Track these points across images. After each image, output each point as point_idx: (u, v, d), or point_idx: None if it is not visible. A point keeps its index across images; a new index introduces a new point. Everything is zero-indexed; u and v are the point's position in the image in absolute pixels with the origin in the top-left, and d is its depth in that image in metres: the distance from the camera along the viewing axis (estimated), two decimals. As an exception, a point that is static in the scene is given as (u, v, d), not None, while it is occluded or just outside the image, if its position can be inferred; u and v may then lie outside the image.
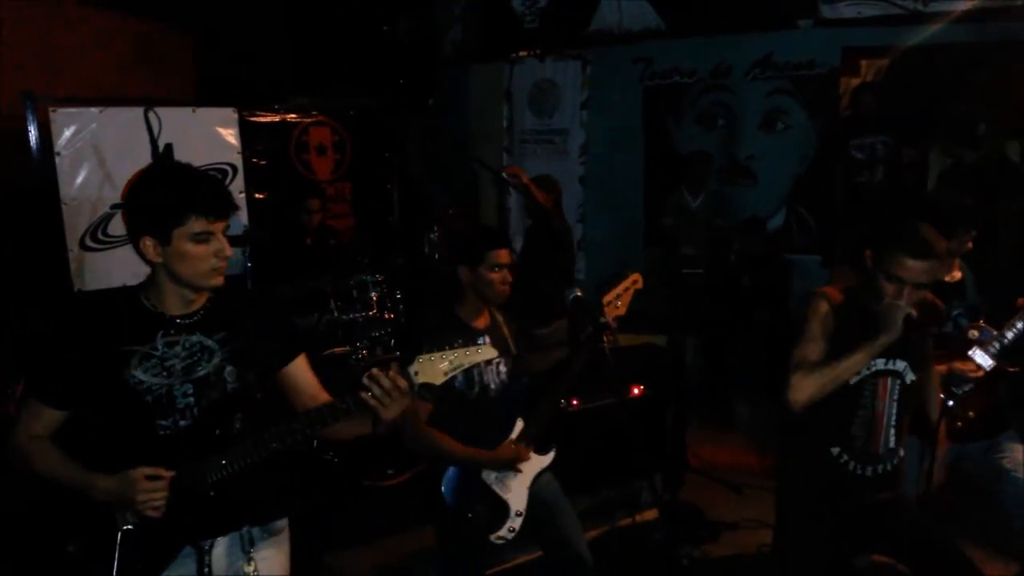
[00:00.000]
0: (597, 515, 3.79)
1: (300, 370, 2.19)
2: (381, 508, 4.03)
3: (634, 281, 3.05)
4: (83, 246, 5.02)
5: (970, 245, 3.19)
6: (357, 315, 4.51)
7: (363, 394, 1.91)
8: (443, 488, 2.82)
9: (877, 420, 2.59)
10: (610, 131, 7.23)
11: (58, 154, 4.91)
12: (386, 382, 1.90)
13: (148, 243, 1.98)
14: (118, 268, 5.02)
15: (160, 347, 2.01)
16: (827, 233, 6.21)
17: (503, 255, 2.93)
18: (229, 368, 2.06)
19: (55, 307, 4.89)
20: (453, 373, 1.92)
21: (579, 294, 2.90)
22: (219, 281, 2.03)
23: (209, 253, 1.98)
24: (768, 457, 4.98)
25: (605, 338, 2.82)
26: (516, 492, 2.90)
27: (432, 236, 5.82)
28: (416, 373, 1.91)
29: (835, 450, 2.60)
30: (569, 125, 7.49)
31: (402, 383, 1.91)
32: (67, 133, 4.93)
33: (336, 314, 4.51)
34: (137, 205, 2.02)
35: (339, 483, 3.94)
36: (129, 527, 1.96)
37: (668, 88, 6.92)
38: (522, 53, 7.55)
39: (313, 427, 1.99)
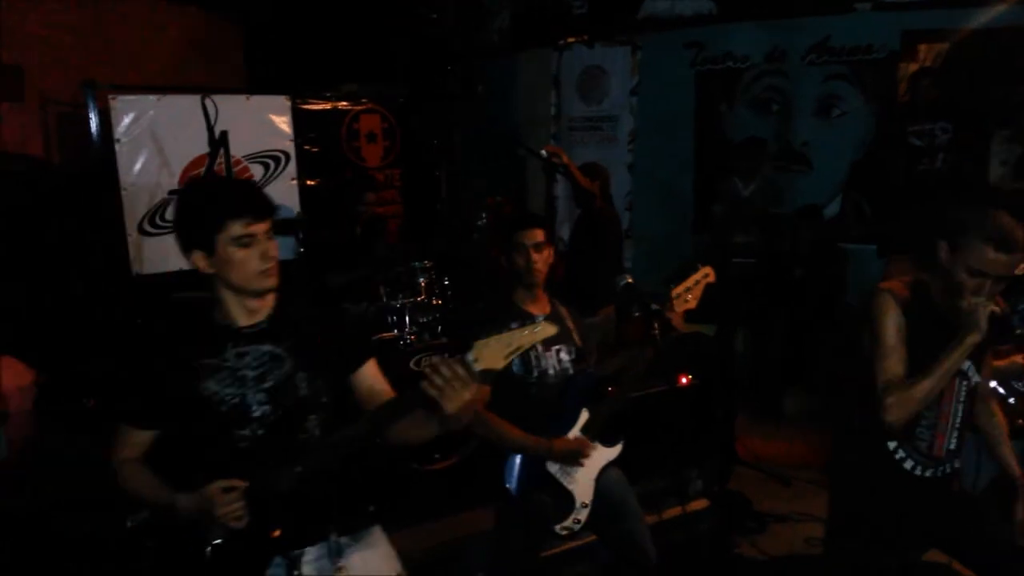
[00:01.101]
0: (646, 504, 3.75)
1: (370, 375, 2.19)
2: (428, 492, 4.06)
3: (705, 275, 2.97)
4: (141, 231, 5.15)
5: None
6: (406, 301, 4.54)
7: (424, 384, 1.85)
8: (507, 475, 2.80)
9: (943, 423, 2.50)
10: (660, 118, 7.13)
11: (118, 141, 5.05)
12: (446, 371, 1.83)
13: (198, 257, 2.02)
14: (175, 253, 5.14)
15: (231, 358, 2.05)
16: (884, 222, 6.05)
17: (532, 235, 2.89)
18: (301, 374, 2.08)
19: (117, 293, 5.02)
20: (514, 355, 1.83)
21: (629, 280, 2.87)
22: (272, 283, 2.05)
23: (254, 256, 2.00)
24: (817, 450, 4.90)
25: (655, 326, 2.79)
26: (582, 483, 2.88)
27: (481, 223, 5.83)
28: (475, 360, 1.82)
29: (898, 453, 2.51)
30: (618, 112, 7.40)
31: (461, 371, 1.81)
32: (126, 120, 5.06)
33: (385, 300, 4.55)
34: (179, 222, 2.07)
35: (386, 467, 3.98)
36: (219, 541, 1.99)
37: (721, 73, 6.79)
38: (570, 39, 7.49)
39: (378, 425, 1.98)
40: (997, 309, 2.32)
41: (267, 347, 2.07)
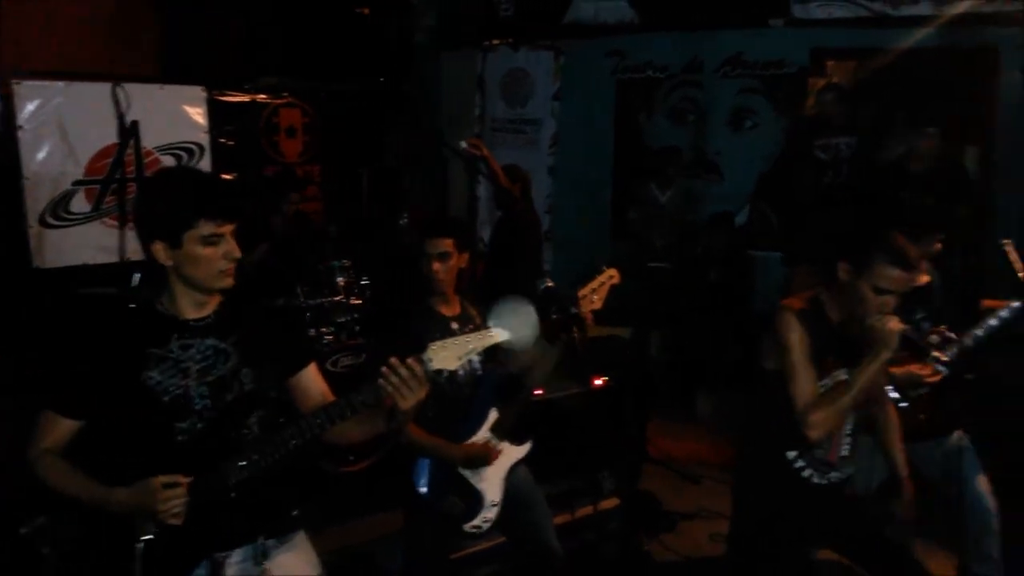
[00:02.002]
0: (558, 504, 3.83)
1: (312, 376, 2.21)
2: (343, 493, 4.04)
3: (611, 276, 3.06)
4: (43, 223, 4.94)
5: (938, 247, 3.24)
6: (323, 300, 4.49)
7: (381, 382, 1.92)
8: (416, 476, 2.83)
9: (838, 431, 2.62)
10: (581, 123, 7.25)
11: (20, 128, 4.83)
12: (403, 370, 1.91)
13: (159, 247, 2.00)
14: (78, 246, 4.96)
15: (175, 350, 2.03)
16: (789, 231, 6.32)
17: (436, 244, 2.93)
18: (245, 370, 2.09)
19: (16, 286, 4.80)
20: (467, 358, 1.94)
21: (550, 284, 2.93)
22: (229, 283, 2.05)
23: (219, 255, 2.00)
24: (726, 449, 5.08)
25: (574, 329, 2.85)
26: (491, 482, 2.92)
27: (403, 223, 5.82)
28: (430, 360, 1.93)
29: (797, 463, 2.63)
30: (541, 115, 7.49)
31: (419, 370, 1.91)
32: (30, 107, 4.85)
33: (303, 299, 4.49)
34: (147, 210, 2.03)
35: (301, 469, 3.94)
36: (150, 537, 1.95)
37: (640, 82, 6.96)
38: (495, 41, 7.53)
39: (332, 421, 2.00)
40: (905, 326, 2.44)
41: (212, 341, 2.07)
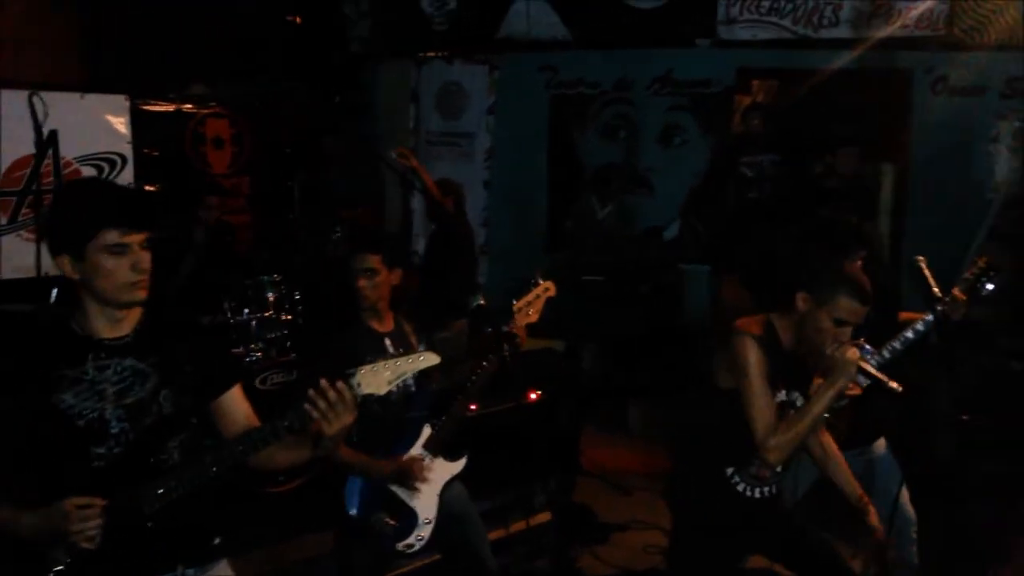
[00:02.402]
0: (493, 519, 3.83)
1: (235, 400, 2.13)
2: (271, 514, 3.94)
3: (546, 289, 3.09)
4: (-46, 235, 4.69)
5: (859, 263, 3.36)
6: (252, 316, 4.39)
7: (308, 407, 1.86)
8: (347, 496, 2.79)
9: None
10: (516, 137, 7.30)
11: (-71, 137, 4.58)
12: (332, 395, 1.85)
13: (64, 260, 1.92)
14: (-6, 260, 4.73)
15: (91, 371, 1.94)
16: (717, 245, 6.48)
17: (363, 260, 2.91)
18: (164, 392, 2.00)
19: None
20: (397, 382, 1.90)
21: (482, 302, 2.94)
22: (140, 296, 1.97)
23: (124, 266, 1.91)
24: (658, 460, 5.15)
25: (506, 346, 2.86)
26: (425, 499, 2.90)
27: (335, 236, 5.73)
28: (359, 384, 1.87)
29: (734, 478, 2.68)
30: (476, 129, 7.52)
31: (348, 396, 1.86)
32: (-61, 114, 4.61)
33: (229, 315, 4.38)
34: (51, 223, 1.96)
35: (228, 489, 3.83)
36: (60, 568, 1.86)
37: (573, 98, 7.05)
38: (430, 54, 7.53)
39: (255, 448, 1.93)
40: (863, 359, 2.50)
41: (130, 361, 1.98)
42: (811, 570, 2.71)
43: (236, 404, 2.13)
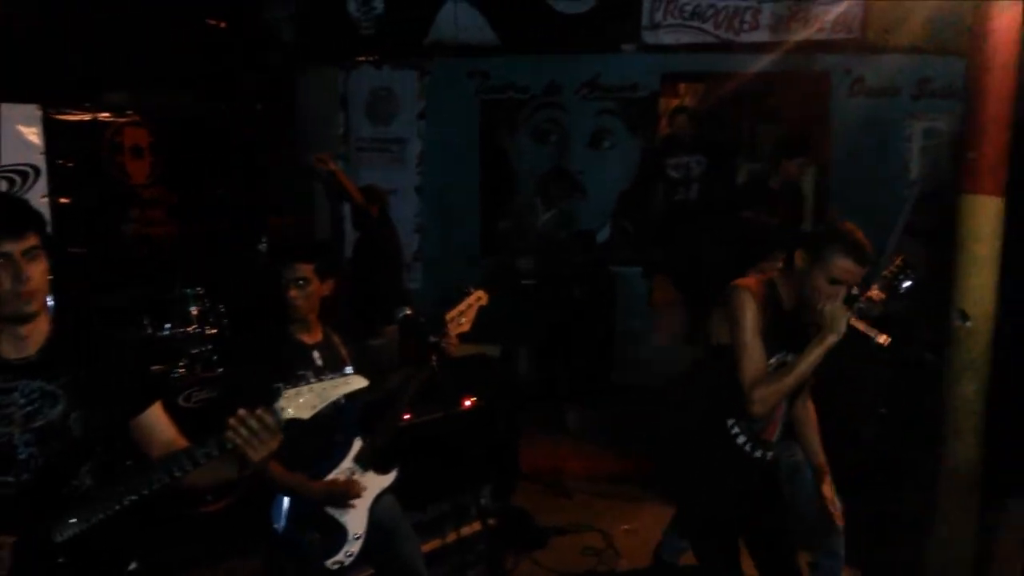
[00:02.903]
0: (430, 528, 3.79)
1: (156, 419, 2.05)
2: (199, 535, 3.82)
3: (478, 298, 3.10)
4: None
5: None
6: (174, 331, 4.25)
7: (229, 435, 1.80)
8: (274, 514, 2.73)
9: (776, 414, 2.72)
10: (447, 142, 7.27)
11: None
12: (253, 422, 1.80)
13: None
14: None
15: None
16: (647, 246, 6.57)
17: (296, 269, 2.86)
18: (75, 415, 1.91)
19: None
20: (322, 405, 1.86)
21: (408, 312, 2.91)
22: (29, 308, 1.88)
23: (4, 277, 1.83)
24: (594, 462, 5.19)
25: (434, 357, 2.84)
26: (355, 514, 2.85)
27: (262, 247, 5.60)
28: (283, 409, 1.83)
29: (734, 429, 2.70)
30: (407, 134, 7.45)
31: (270, 421, 1.81)
32: None
33: (150, 330, 4.23)
34: None
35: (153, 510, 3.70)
36: None
37: (504, 102, 7.06)
38: (359, 59, 7.44)
39: (172, 475, 1.86)
40: (853, 314, 2.54)
41: (38, 383, 1.90)
42: (767, 554, 2.77)
43: (157, 423, 2.05)
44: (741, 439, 2.72)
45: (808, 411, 2.98)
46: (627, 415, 5.20)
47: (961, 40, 4.36)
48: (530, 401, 5.75)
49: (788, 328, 2.64)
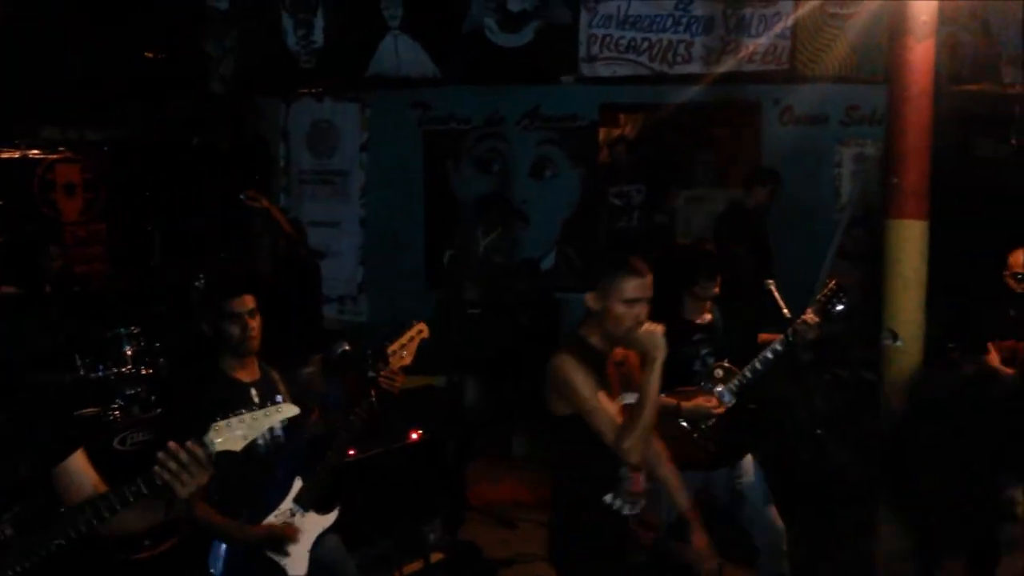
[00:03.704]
0: (378, 566, 3.73)
1: (77, 467, 1.97)
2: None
3: (419, 331, 3.10)
4: None
5: (716, 289, 3.50)
6: (108, 372, 4.13)
7: (157, 470, 1.75)
8: (211, 559, 2.66)
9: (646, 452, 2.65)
10: (390, 173, 7.27)
11: None
12: (183, 456, 1.75)
13: None
14: None
15: None
16: (591, 274, 6.61)
17: (243, 302, 2.82)
18: None
19: None
20: (253, 437, 1.82)
21: (347, 348, 2.88)
22: None
23: None
24: (543, 489, 5.16)
25: (372, 392, 2.82)
26: (295, 557, 2.79)
27: (199, 284, 5.48)
28: (214, 442, 1.78)
29: (615, 503, 2.64)
30: (349, 166, 7.44)
31: (200, 455, 1.76)
32: None
33: (83, 371, 4.10)
34: None
35: (85, 556, 3.55)
36: None
37: (446, 133, 7.10)
38: (301, 92, 7.41)
39: (101, 516, 1.79)
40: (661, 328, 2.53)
41: None
42: None
43: (78, 471, 1.97)
44: (617, 504, 2.65)
45: (659, 452, 2.85)
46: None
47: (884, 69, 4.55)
48: (478, 430, 5.72)
49: (613, 371, 2.65)
